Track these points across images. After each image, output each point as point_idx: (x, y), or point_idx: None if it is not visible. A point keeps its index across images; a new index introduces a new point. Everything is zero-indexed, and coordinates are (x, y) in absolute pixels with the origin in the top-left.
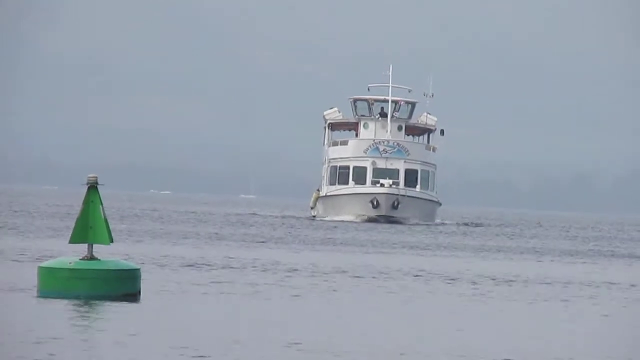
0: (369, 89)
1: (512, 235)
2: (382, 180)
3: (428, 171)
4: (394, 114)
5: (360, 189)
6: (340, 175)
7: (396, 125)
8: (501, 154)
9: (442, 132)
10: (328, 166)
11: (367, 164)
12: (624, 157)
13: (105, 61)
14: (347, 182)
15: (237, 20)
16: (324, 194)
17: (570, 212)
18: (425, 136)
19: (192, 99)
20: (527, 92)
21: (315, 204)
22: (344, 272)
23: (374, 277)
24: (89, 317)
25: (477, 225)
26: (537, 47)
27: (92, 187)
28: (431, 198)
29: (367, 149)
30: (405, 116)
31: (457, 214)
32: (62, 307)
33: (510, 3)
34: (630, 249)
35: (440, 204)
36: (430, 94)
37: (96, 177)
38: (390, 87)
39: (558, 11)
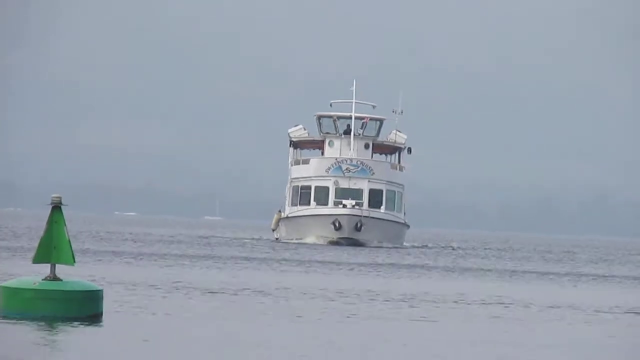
0: (331, 105)
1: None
2: (344, 201)
3: (394, 191)
4: (359, 132)
5: (321, 210)
6: (302, 195)
7: (363, 143)
8: (468, 175)
9: (409, 150)
10: (290, 186)
11: (330, 183)
12: (588, 182)
13: (71, 80)
14: (308, 203)
15: (201, 41)
16: (286, 215)
17: (535, 233)
18: (396, 155)
19: (157, 120)
20: (495, 115)
21: (277, 226)
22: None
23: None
24: (51, 338)
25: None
26: (506, 71)
27: (56, 207)
28: (397, 220)
29: (330, 168)
30: (373, 134)
31: (423, 236)
32: (25, 328)
33: (480, 27)
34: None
35: (409, 226)
36: (400, 111)
37: (60, 197)
38: (354, 103)
39: (526, 35)
